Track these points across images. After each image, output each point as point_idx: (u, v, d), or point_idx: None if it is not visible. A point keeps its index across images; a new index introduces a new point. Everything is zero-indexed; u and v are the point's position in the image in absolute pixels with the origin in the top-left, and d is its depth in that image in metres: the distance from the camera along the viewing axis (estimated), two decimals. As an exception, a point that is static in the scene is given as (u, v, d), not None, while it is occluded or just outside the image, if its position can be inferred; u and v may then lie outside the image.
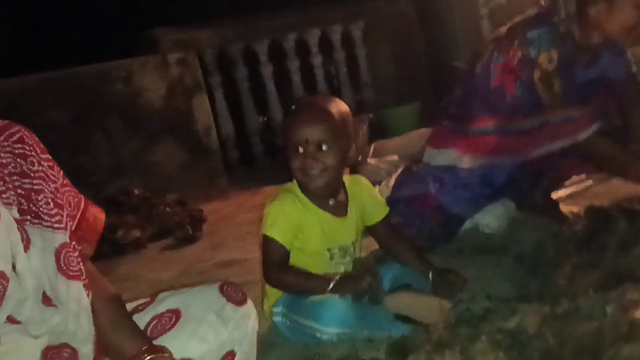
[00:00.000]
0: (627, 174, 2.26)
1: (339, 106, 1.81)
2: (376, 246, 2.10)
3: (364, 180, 1.97)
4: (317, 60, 5.40)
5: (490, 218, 2.46)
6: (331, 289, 1.69)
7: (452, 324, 1.65)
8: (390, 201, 2.48)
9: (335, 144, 1.75)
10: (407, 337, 1.59)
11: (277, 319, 1.81)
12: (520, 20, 2.27)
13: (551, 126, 2.19)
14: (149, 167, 4.37)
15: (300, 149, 1.75)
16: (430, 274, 1.87)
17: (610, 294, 1.55)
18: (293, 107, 1.87)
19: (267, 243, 1.77)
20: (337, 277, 1.71)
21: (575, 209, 2.47)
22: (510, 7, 4.38)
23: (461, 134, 2.35)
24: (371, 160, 4.17)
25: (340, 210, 1.85)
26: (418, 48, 5.78)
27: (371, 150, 4.35)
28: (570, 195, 2.75)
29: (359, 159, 4.27)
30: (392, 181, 3.27)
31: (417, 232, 2.30)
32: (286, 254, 1.77)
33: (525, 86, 2.20)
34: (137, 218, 3.70)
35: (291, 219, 1.77)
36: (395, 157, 4.11)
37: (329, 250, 1.83)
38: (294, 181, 1.84)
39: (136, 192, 3.96)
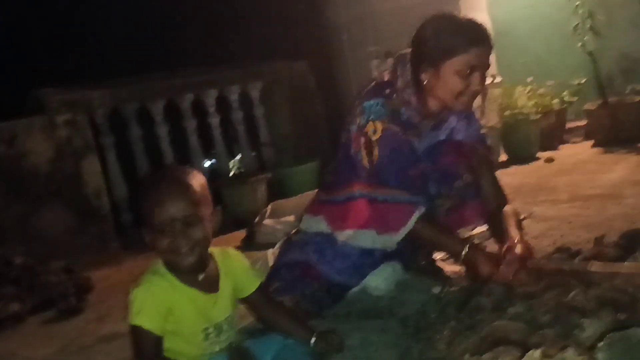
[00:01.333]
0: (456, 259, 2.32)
1: (194, 175, 1.74)
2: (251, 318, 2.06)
3: (232, 252, 1.91)
4: (214, 120, 5.39)
5: (378, 280, 2.46)
6: None
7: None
8: (273, 269, 2.47)
9: (201, 216, 1.68)
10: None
11: None
12: (363, 91, 2.36)
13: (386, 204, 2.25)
14: (33, 233, 4.14)
15: (165, 231, 1.66)
16: (312, 339, 1.84)
17: (484, 358, 1.58)
18: (143, 184, 1.79)
19: (136, 333, 1.64)
20: None
21: (457, 268, 2.53)
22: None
23: (331, 202, 2.40)
24: (268, 221, 4.14)
25: (210, 285, 1.77)
26: (316, 108, 5.90)
27: (268, 211, 4.32)
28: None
29: (256, 220, 4.24)
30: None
31: (300, 296, 2.28)
32: (158, 341, 1.65)
33: (359, 154, 2.28)
34: (17, 289, 3.46)
35: (159, 302, 1.65)
36: (291, 218, 4.10)
37: (204, 330, 1.73)
38: (158, 261, 1.74)
39: (17, 260, 3.71)
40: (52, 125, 4.26)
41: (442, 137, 2.40)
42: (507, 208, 2.38)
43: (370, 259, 2.40)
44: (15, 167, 4.12)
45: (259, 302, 1.92)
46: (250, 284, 1.90)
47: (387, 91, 2.28)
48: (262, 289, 1.94)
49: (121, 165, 4.90)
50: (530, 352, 1.38)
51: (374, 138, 2.23)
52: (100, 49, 6.50)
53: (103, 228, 4.44)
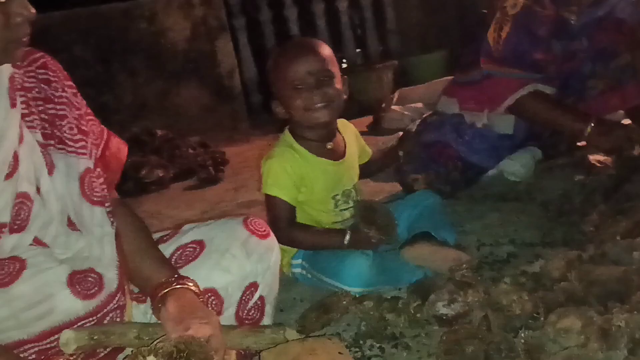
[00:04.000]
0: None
1: (321, 42, 1.77)
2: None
3: (349, 123, 1.93)
4: (342, 4, 5.29)
5: (516, 166, 2.41)
6: (347, 244, 1.67)
7: (474, 267, 1.64)
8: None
9: (334, 74, 1.70)
10: (429, 278, 1.58)
11: (297, 270, 1.80)
12: None
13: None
14: (172, 108, 4.37)
15: (300, 86, 1.68)
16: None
17: (638, 241, 1.53)
18: (274, 52, 1.82)
19: (272, 202, 1.72)
20: (349, 231, 1.68)
21: (602, 158, 2.42)
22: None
23: (463, 84, 2.36)
24: (395, 107, 4.12)
25: (337, 153, 1.81)
26: (447, -5, 5.63)
27: (395, 97, 4.29)
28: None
29: (383, 105, 4.23)
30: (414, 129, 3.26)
31: (435, 175, 2.28)
32: (292, 210, 1.73)
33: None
34: (160, 158, 3.71)
35: (292, 173, 1.71)
36: (419, 105, 4.05)
37: (333, 198, 1.79)
38: (286, 132, 1.79)
39: (159, 132, 3.96)
40: (189, 4, 4.37)
41: (601, 13, 2.24)
42: None
43: (509, 142, 2.34)
44: (156, 44, 4.30)
45: (364, 168, 1.97)
46: (363, 157, 1.95)
47: None
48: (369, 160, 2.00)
49: (251, 48, 4.97)
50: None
51: (511, 12, 2.15)
52: None
53: (235, 107, 4.59)
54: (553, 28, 2.18)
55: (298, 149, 1.75)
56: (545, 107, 2.17)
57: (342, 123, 1.89)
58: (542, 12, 2.15)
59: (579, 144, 2.53)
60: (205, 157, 3.69)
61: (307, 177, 1.74)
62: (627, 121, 2.40)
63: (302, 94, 1.68)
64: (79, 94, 1.28)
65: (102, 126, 1.35)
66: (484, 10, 4.59)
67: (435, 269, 1.62)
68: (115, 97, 4.19)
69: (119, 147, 1.37)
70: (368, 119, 4.27)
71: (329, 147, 1.78)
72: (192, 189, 3.39)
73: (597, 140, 2.10)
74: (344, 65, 5.46)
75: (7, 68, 1.17)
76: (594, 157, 2.46)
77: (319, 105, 1.68)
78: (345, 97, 1.77)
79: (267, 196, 1.73)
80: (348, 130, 1.90)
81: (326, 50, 1.72)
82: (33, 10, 1.11)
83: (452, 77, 2.64)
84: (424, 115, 2.96)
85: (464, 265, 1.53)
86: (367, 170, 2.00)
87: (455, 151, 2.34)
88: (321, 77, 1.68)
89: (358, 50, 5.65)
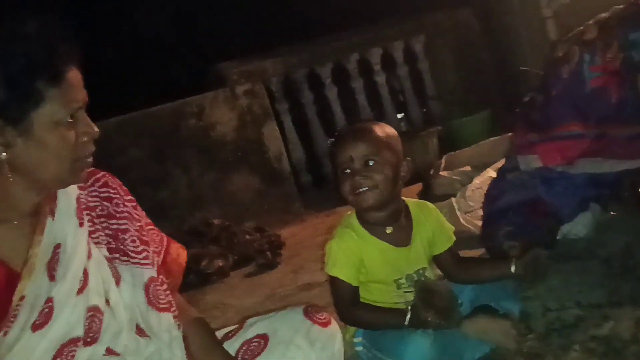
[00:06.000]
0: None
1: (382, 126, 1.78)
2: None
3: (432, 207, 1.89)
4: (380, 78, 5.41)
5: (578, 227, 2.36)
6: (408, 324, 1.64)
7: (543, 334, 1.61)
8: (496, 211, 2.40)
9: (382, 158, 1.70)
10: (496, 351, 1.55)
11: (359, 349, 1.78)
12: (615, 19, 2.20)
13: None
14: (226, 196, 4.48)
15: (347, 170, 1.71)
16: (512, 267, 1.75)
17: None
18: (334, 137, 1.86)
19: (333, 282, 1.74)
20: (410, 311, 1.64)
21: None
22: (575, 5, 4.27)
23: (549, 140, 2.30)
24: (444, 173, 4.12)
25: (401, 238, 1.79)
26: (483, 56, 5.69)
27: (443, 163, 4.30)
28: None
29: (431, 172, 4.24)
30: (468, 192, 3.24)
31: (530, 239, 2.17)
32: (354, 290, 1.73)
33: (633, 89, 2.14)
34: (219, 247, 3.79)
35: (351, 254, 1.73)
36: (468, 168, 4.05)
37: (395, 281, 1.77)
38: (352, 211, 1.81)
39: (216, 222, 4.05)
40: (234, 96, 4.55)
41: None
42: None
43: (596, 191, 2.31)
44: (206, 137, 4.47)
45: (449, 261, 1.87)
46: (444, 242, 1.86)
47: None
48: (453, 249, 1.88)
49: (297, 129, 5.11)
50: None
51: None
52: (264, 17, 6.84)
53: (285, 189, 4.68)
54: None
55: (358, 230, 1.77)
56: None
57: (420, 206, 1.87)
58: None
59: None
60: (262, 242, 3.75)
61: (366, 258, 1.75)
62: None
63: (346, 179, 1.72)
64: (138, 207, 1.37)
65: (162, 234, 1.42)
66: (524, 68, 4.63)
67: (496, 343, 1.58)
68: (172, 192, 4.33)
69: (179, 252, 1.44)
70: (417, 187, 4.29)
71: (387, 231, 1.78)
72: (252, 275, 3.44)
73: None
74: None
75: (73, 190, 1.26)
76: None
77: (361, 190, 1.70)
78: (406, 178, 1.79)
79: (330, 276, 1.75)
80: (426, 214, 1.85)
81: (378, 133, 1.73)
82: (97, 129, 1.21)
83: (516, 134, 2.56)
84: (495, 176, 2.87)
85: (531, 335, 1.50)
86: (458, 277, 1.86)
87: (548, 207, 2.28)
88: (367, 161, 1.70)
89: (402, 114, 5.71)
